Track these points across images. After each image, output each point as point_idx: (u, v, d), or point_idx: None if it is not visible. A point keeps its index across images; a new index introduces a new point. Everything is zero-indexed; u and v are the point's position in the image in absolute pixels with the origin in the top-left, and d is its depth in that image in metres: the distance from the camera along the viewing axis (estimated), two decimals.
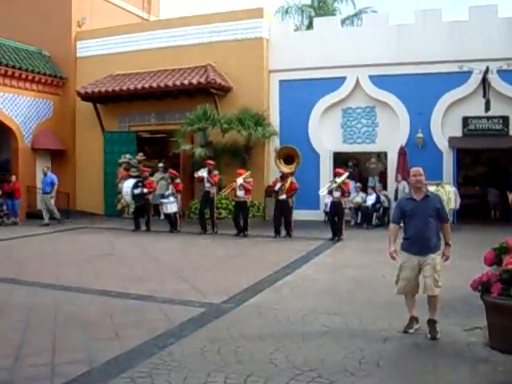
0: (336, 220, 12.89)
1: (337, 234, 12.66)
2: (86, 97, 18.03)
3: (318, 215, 16.77)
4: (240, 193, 13.36)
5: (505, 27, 15.53)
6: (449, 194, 14.36)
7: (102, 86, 17.75)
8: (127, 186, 14.69)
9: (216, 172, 14.26)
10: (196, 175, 14.05)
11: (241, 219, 13.54)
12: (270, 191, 13.66)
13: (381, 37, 16.45)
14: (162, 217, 17.35)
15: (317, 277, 8.47)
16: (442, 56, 15.84)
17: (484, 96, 15.59)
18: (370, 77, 16.70)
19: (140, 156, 18.38)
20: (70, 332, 5.46)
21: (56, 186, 16.49)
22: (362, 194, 16.38)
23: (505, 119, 15.75)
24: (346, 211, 16.02)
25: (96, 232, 14.50)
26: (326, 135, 17.22)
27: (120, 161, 18.02)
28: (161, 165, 17.58)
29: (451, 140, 16.07)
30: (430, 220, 5.52)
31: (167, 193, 14.70)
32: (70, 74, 19.27)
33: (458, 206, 14.54)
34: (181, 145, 16.19)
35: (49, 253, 10.84)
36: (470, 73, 15.77)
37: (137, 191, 14.54)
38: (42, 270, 8.86)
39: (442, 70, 15.90)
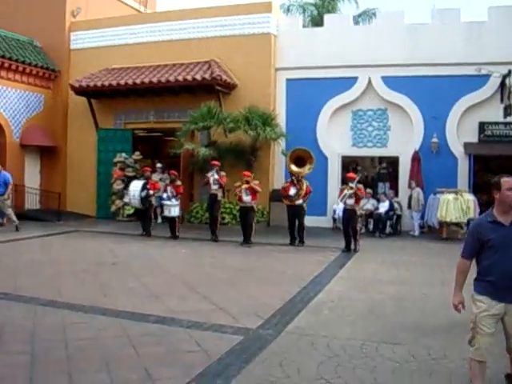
0: (350, 229, 11.91)
1: (351, 245, 11.71)
2: (80, 91, 16.89)
3: (325, 222, 15.92)
4: (247, 197, 12.38)
5: None
6: (468, 203, 13.60)
7: (98, 80, 16.64)
8: (135, 188, 13.54)
9: (223, 173, 13.30)
10: (206, 178, 13.02)
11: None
12: (283, 196, 12.67)
13: (395, 36, 15.64)
14: (159, 220, 16.35)
15: (352, 295, 7.55)
16: (459, 58, 15.10)
17: (502, 101, 14.90)
18: (383, 78, 15.87)
19: (137, 155, 17.43)
20: (89, 371, 4.43)
21: (11, 186, 14.37)
22: (372, 201, 15.55)
23: None
24: None
25: (91, 236, 13.41)
26: (335, 138, 16.36)
27: (115, 160, 17.05)
28: (159, 165, 16.54)
29: (467, 146, 15.31)
30: None
31: (166, 195, 13.59)
32: (62, 66, 18.12)
33: (477, 216, 13.72)
34: (183, 144, 15.14)
35: (43, 261, 9.73)
36: (487, 76, 15.01)
37: (143, 193, 13.44)
38: (40, 283, 7.80)
39: (458, 73, 15.16)
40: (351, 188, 11.71)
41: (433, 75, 15.30)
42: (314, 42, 16.37)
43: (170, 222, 13.14)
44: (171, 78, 15.81)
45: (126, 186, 16.48)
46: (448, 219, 13.51)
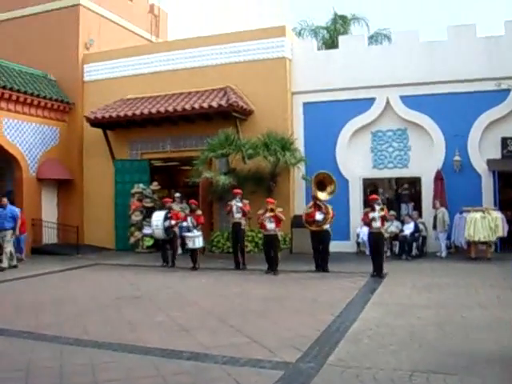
0: (377, 253, 11.49)
1: (380, 269, 11.30)
2: (95, 122, 16.83)
3: (349, 246, 15.52)
4: (271, 225, 12.04)
5: None
6: (496, 221, 13.19)
7: (113, 111, 16.59)
8: (157, 218, 13.30)
9: (246, 201, 13.05)
10: (228, 207, 12.79)
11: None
12: (308, 222, 12.32)
13: (412, 55, 15.47)
14: (180, 251, 16.07)
15: (389, 321, 7.17)
16: (477, 73, 14.88)
17: None
18: (401, 97, 15.66)
19: (154, 185, 17.25)
20: None
21: (20, 221, 13.92)
22: (396, 223, 15.17)
23: None
24: None
25: (111, 269, 13.14)
26: (355, 160, 16.07)
27: (133, 191, 16.87)
28: (177, 194, 16.35)
29: (490, 162, 14.95)
30: None
31: (186, 224, 13.33)
32: (77, 98, 18.14)
33: (505, 234, 13.31)
34: (202, 173, 14.93)
35: (65, 296, 9.44)
36: (508, 90, 14.75)
37: (166, 223, 13.19)
38: (63, 320, 7.50)
39: (478, 89, 14.95)
40: (381, 209, 11.33)
41: (452, 92, 15.08)
42: (330, 65, 16.23)
43: (192, 252, 12.80)
44: (187, 107, 15.70)
45: (145, 217, 16.40)
46: (476, 238, 13.09)
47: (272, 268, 11.88)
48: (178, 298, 9.12)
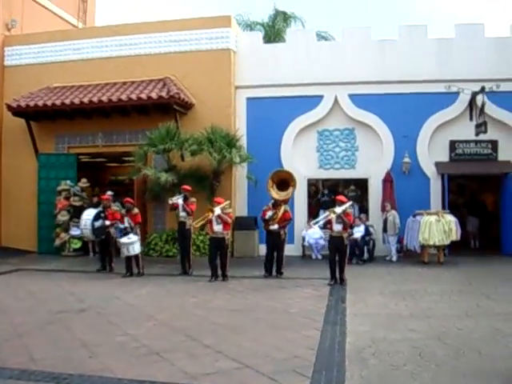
0: (337, 259, 10.67)
1: (339, 276, 10.48)
2: (17, 111, 14.98)
3: (293, 249, 14.65)
4: (218, 227, 10.92)
5: (493, 47, 14.63)
6: (450, 225, 12.90)
7: (39, 100, 14.84)
8: (87, 217, 11.87)
9: (193, 199, 11.94)
10: (170, 201, 11.60)
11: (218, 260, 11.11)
12: (262, 220, 11.44)
13: (362, 53, 15.06)
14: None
15: (383, 335, 6.41)
16: (428, 75, 14.69)
17: (471, 119, 14.54)
18: (350, 95, 15.16)
19: (83, 182, 15.66)
20: None
21: None
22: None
23: (494, 143, 14.74)
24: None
25: (41, 276, 11.57)
26: (301, 160, 15.37)
27: (59, 188, 15.22)
28: (110, 193, 14.89)
29: (438, 165, 14.79)
30: None
31: (122, 226, 11.90)
32: None
33: (459, 237, 13.09)
34: (140, 169, 13.62)
35: None
36: (457, 93, 14.66)
37: (97, 223, 11.77)
38: None
39: (428, 90, 14.74)
40: (334, 212, 10.55)
41: (402, 93, 14.77)
42: (276, 59, 15.45)
43: (127, 259, 11.40)
44: (123, 97, 14.33)
45: (72, 217, 14.86)
46: (431, 242, 12.75)
47: (215, 275, 10.80)
48: (130, 311, 7.89)
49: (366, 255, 13.64)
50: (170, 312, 7.84)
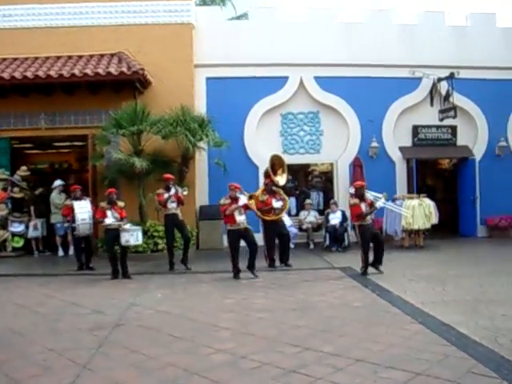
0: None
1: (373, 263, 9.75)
2: None
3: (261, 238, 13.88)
4: (240, 218, 9.54)
5: (453, 36, 14.94)
6: (429, 208, 12.95)
7: None
8: (82, 210, 10.08)
9: (184, 189, 10.73)
10: (163, 196, 10.28)
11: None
12: (263, 211, 10.46)
13: (328, 34, 14.60)
14: (61, 253, 12.96)
15: (490, 324, 5.94)
16: (393, 60, 14.70)
17: (431, 104, 14.76)
18: (316, 78, 14.64)
19: (23, 170, 13.61)
20: None
21: None
22: (313, 213, 14.22)
23: (453, 129, 15.08)
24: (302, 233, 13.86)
25: (2, 283, 9.65)
26: (264, 144, 14.59)
27: None
28: (59, 182, 13.05)
29: (402, 150, 14.84)
30: None
31: (109, 221, 9.97)
32: None
33: (437, 221, 13.17)
34: (103, 154, 12.00)
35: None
36: (421, 79, 14.77)
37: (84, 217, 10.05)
38: None
39: (393, 75, 14.71)
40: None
41: (367, 76, 14.58)
42: (239, 37, 14.50)
43: (124, 253, 9.91)
44: (76, 72, 12.50)
45: (11, 212, 12.89)
46: (416, 226, 12.71)
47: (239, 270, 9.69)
48: (177, 320, 6.61)
49: (346, 242, 13.27)
50: (225, 317, 6.75)
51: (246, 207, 9.62)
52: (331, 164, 15.02)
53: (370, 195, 9.96)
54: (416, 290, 8.19)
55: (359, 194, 9.76)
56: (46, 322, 6.70)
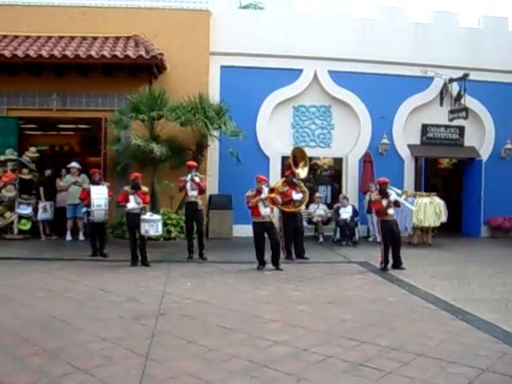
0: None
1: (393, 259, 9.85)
2: None
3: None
4: (265, 210, 9.43)
5: (466, 37, 15.06)
6: (439, 207, 13.09)
7: None
8: (99, 196, 9.92)
9: (203, 176, 10.67)
10: (181, 183, 10.21)
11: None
12: (283, 202, 10.40)
13: (343, 29, 14.58)
14: (69, 237, 12.75)
15: None
16: (405, 58, 14.80)
17: (441, 104, 14.93)
18: (330, 72, 14.64)
19: (32, 152, 13.37)
20: None
21: None
22: (322, 206, 14.25)
23: (461, 129, 15.24)
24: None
25: (21, 266, 9.44)
26: (276, 136, 14.60)
27: (2, 158, 12.78)
28: (75, 164, 12.84)
29: (411, 148, 14.96)
30: None
31: (131, 206, 9.88)
32: None
33: (446, 220, 13.31)
34: (120, 138, 11.83)
35: (49, 320, 6.20)
36: (432, 78, 14.87)
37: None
38: None
39: (405, 73, 14.83)
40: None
41: (380, 73, 14.64)
42: (255, 27, 14.44)
43: (143, 242, 9.80)
44: (93, 54, 12.29)
45: (20, 193, 12.69)
46: (427, 224, 12.84)
47: (264, 262, 9.67)
48: (222, 312, 6.53)
49: (356, 236, 13.36)
50: (267, 308, 6.74)
51: (273, 201, 9.56)
52: (334, 159, 15.13)
53: (392, 191, 9.99)
54: (442, 287, 8.27)
55: (382, 190, 9.78)
56: (85, 308, 6.58)
